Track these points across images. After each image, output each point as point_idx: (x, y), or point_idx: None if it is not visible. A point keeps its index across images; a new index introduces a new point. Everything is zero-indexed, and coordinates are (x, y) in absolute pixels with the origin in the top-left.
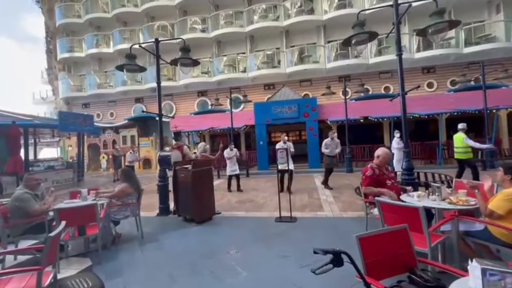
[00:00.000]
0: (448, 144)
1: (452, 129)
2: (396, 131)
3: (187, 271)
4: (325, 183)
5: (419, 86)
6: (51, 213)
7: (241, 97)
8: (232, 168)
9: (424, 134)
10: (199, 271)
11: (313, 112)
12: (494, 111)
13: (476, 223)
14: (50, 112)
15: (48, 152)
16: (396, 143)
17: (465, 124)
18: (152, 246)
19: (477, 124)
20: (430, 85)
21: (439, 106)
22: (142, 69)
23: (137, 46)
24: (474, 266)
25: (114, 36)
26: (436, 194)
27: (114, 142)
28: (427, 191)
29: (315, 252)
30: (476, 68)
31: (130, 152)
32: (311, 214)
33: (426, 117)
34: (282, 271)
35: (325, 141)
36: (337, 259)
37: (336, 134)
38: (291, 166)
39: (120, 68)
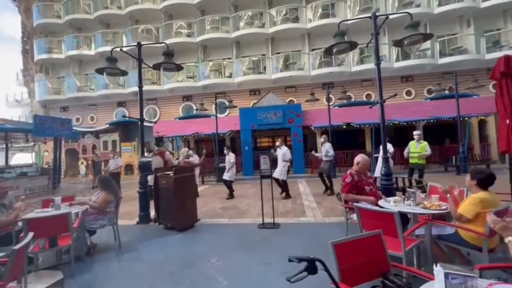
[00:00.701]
0: None
1: (430, 136)
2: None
3: (166, 281)
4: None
5: (396, 95)
6: (20, 223)
7: (227, 102)
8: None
9: (403, 140)
10: (179, 281)
11: (297, 118)
12: (466, 118)
13: (448, 227)
14: (25, 116)
15: (21, 158)
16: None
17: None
18: (130, 256)
19: (451, 131)
20: (408, 93)
21: (417, 113)
22: (124, 73)
23: (120, 49)
24: (438, 271)
25: (96, 38)
26: (411, 199)
27: (94, 147)
28: (403, 196)
29: (290, 260)
30: (450, 78)
31: (116, 157)
32: (294, 220)
33: (404, 123)
34: (264, 279)
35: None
36: (311, 267)
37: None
38: (277, 175)
39: (100, 71)
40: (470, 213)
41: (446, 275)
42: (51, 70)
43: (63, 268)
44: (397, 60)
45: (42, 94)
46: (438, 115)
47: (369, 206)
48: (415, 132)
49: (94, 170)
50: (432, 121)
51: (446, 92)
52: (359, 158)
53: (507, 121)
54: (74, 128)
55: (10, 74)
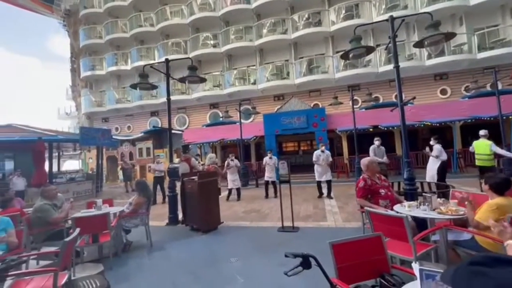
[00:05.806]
0: (464, 152)
1: (470, 136)
2: (376, 138)
3: (189, 278)
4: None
5: (414, 98)
6: (70, 222)
7: (251, 109)
8: (231, 179)
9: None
10: (200, 279)
11: (322, 122)
12: (510, 117)
13: (464, 232)
14: (73, 126)
15: (70, 164)
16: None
17: (486, 131)
18: (159, 254)
19: (493, 131)
20: (443, 92)
21: (452, 113)
22: (154, 87)
23: (152, 62)
24: (415, 267)
25: (132, 54)
26: (427, 204)
27: (131, 154)
28: (420, 201)
29: (286, 256)
30: (490, 73)
31: (158, 163)
32: (314, 224)
33: (438, 125)
34: (279, 279)
35: (316, 152)
36: (305, 262)
37: (324, 146)
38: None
39: (134, 86)
40: (487, 220)
41: (421, 271)
42: (94, 85)
43: (104, 261)
44: (429, 57)
45: (87, 107)
46: (476, 114)
47: (380, 210)
48: (481, 132)
49: (124, 176)
50: (469, 121)
51: (488, 88)
52: (366, 161)
53: None
54: (113, 137)
55: (61, 90)
